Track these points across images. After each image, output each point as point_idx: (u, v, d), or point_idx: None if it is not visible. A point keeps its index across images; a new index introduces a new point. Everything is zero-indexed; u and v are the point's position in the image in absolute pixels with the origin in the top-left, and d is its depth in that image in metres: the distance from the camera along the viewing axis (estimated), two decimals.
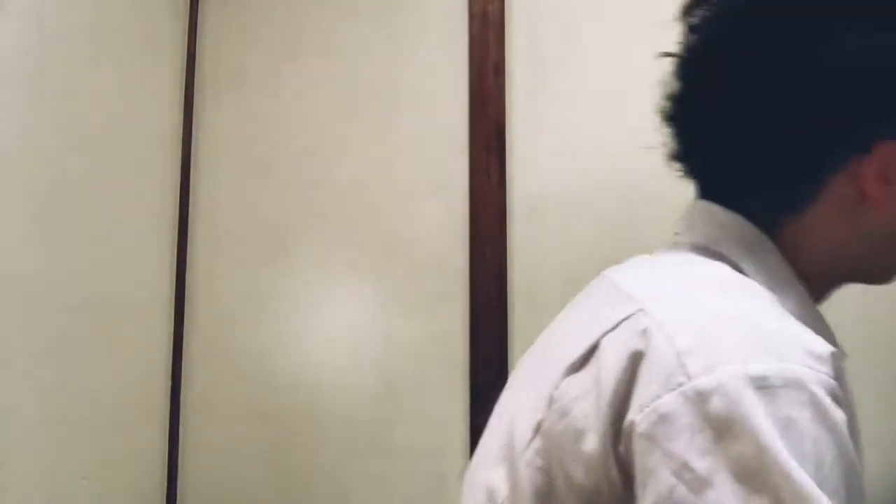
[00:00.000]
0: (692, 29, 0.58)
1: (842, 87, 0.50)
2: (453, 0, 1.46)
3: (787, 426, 0.40)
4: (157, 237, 1.57)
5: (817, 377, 0.42)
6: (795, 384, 0.41)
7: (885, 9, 0.51)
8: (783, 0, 0.53)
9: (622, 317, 0.49)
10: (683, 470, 0.41)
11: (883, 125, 0.51)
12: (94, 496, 1.35)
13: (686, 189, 0.63)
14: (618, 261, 0.62)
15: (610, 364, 0.47)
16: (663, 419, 0.43)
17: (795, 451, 0.40)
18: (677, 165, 0.61)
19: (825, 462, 0.40)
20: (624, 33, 1.34)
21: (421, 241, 1.45)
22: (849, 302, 1.22)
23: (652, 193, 1.22)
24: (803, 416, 0.41)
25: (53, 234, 1.29)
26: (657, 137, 0.62)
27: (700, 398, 0.42)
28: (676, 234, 0.60)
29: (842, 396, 0.43)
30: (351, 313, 1.49)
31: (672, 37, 0.60)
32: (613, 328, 0.49)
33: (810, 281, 0.55)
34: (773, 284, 0.53)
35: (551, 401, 0.50)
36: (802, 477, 0.39)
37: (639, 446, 0.43)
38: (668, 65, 0.59)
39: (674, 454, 0.42)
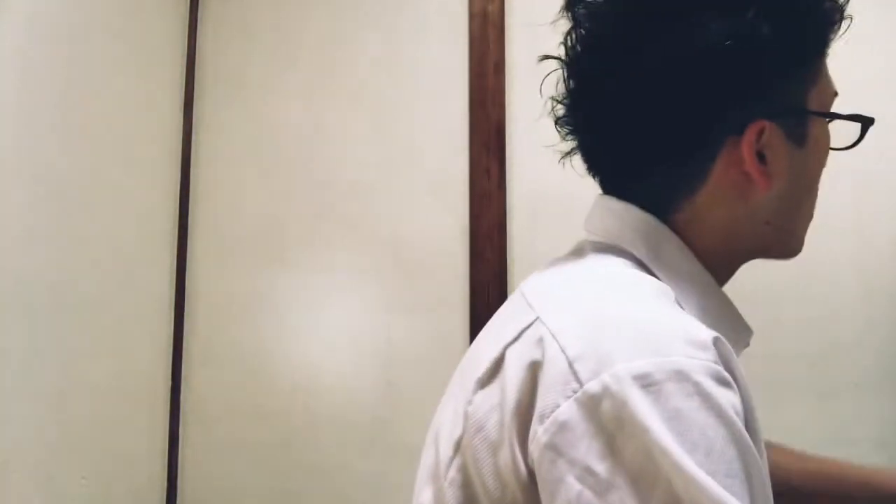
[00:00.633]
0: (575, 23, 0.61)
1: (708, 67, 0.52)
2: (453, 0, 1.46)
3: (673, 418, 0.41)
4: (157, 237, 1.57)
5: (699, 365, 0.43)
6: (678, 376, 0.42)
7: None
8: None
9: (522, 327, 0.51)
10: (586, 475, 0.43)
11: (753, 105, 0.53)
12: (94, 496, 1.35)
13: None
14: None
15: (511, 376, 0.49)
16: (563, 428, 0.44)
17: (684, 441, 0.41)
18: (583, 165, 0.63)
19: (715, 447, 0.41)
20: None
21: (421, 241, 1.45)
22: (849, 301, 1.23)
23: None
24: (689, 406, 0.42)
25: (53, 234, 1.29)
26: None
27: (592, 403, 0.43)
28: (586, 227, 0.62)
29: (728, 378, 0.44)
30: (351, 313, 1.49)
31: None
32: (515, 339, 0.50)
33: (713, 262, 0.57)
34: (672, 273, 0.54)
35: (466, 416, 0.52)
36: (692, 467, 0.40)
37: (545, 457, 0.44)
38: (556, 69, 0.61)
39: (576, 461, 0.43)
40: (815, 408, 1.24)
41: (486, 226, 1.38)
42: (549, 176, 1.38)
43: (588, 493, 0.42)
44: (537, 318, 0.50)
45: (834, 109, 0.57)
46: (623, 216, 0.58)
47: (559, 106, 0.61)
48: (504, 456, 0.48)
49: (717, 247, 0.57)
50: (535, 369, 0.47)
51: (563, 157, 0.63)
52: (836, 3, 0.55)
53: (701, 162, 0.55)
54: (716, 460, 0.41)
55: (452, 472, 0.52)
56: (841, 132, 0.58)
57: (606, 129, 0.58)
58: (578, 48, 0.60)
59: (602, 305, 0.49)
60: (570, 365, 0.45)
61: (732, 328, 0.55)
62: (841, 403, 1.22)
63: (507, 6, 1.42)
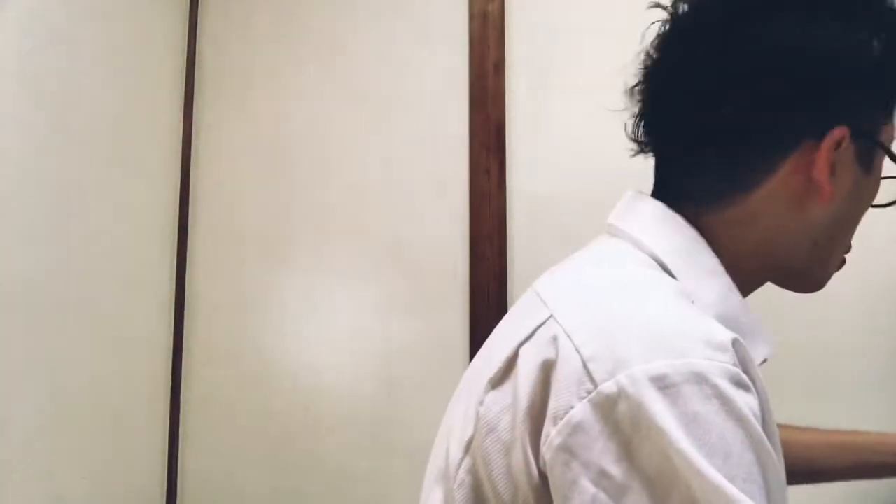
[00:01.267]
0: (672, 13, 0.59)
1: (814, 63, 0.52)
2: (453, 0, 1.46)
3: (691, 422, 0.41)
4: (157, 237, 1.57)
5: (718, 367, 0.42)
6: (697, 378, 0.42)
7: (838, 3, 0.53)
8: None
9: (536, 325, 0.50)
10: (601, 478, 0.42)
11: (839, 115, 0.52)
12: (94, 496, 1.35)
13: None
14: None
15: (524, 375, 0.48)
16: (577, 429, 0.43)
17: (702, 445, 0.40)
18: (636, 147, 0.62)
19: (733, 451, 0.41)
20: (624, 33, 1.33)
21: (421, 241, 1.45)
22: (849, 301, 1.23)
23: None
24: (708, 410, 0.41)
25: (53, 234, 1.29)
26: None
27: (607, 404, 0.42)
28: (609, 224, 0.61)
29: (746, 381, 0.43)
30: (351, 313, 1.49)
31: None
32: (528, 337, 0.49)
33: (739, 272, 0.55)
34: (693, 276, 0.53)
35: (478, 417, 0.51)
36: (710, 471, 0.39)
37: (558, 459, 0.44)
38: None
39: (591, 463, 0.42)
40: (815, 408, 1.24)
41: (486, 226, 1.38)
42: (549, 176, 1.38)
43: (603, 496, 0.42)
44: (551, 315, 0.49)
45: None
46: (651, 215, 0.57)
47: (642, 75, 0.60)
48: (516, 458, 0.47)
49: (750, 255, 0.55)
50: (548, 369, 0.46)
51: (636, 153, 0.62)
52: None
53: (771, 157, 0.53)
54: (734, 465, 0.40)
55: (462, 474, 0.51)
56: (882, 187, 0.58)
57: (687, 98, 0.56)
58: (675, 27, 0.58)
59: (618, 304, 0.48)
60: (585, 365, 0.44)
61: (751, 340, 0.53)
62: (840, 403, 1.22)
63: (507, 6, 1.42)
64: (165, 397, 1.56)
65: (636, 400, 0.42)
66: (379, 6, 1.54)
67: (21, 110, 1.23)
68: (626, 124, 0.62)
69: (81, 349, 1.34)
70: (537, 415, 0.46)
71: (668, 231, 0.55)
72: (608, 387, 0.43)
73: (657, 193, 0.60)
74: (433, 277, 1.43)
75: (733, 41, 0.53)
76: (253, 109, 1.61)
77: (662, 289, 0.51)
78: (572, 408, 0.43)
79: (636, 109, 0.60)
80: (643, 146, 0.61)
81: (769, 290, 0.64)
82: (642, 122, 0.60)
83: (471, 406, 0.52)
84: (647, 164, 0.63)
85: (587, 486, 0.42)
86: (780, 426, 0.74)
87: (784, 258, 0.56)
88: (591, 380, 0.43)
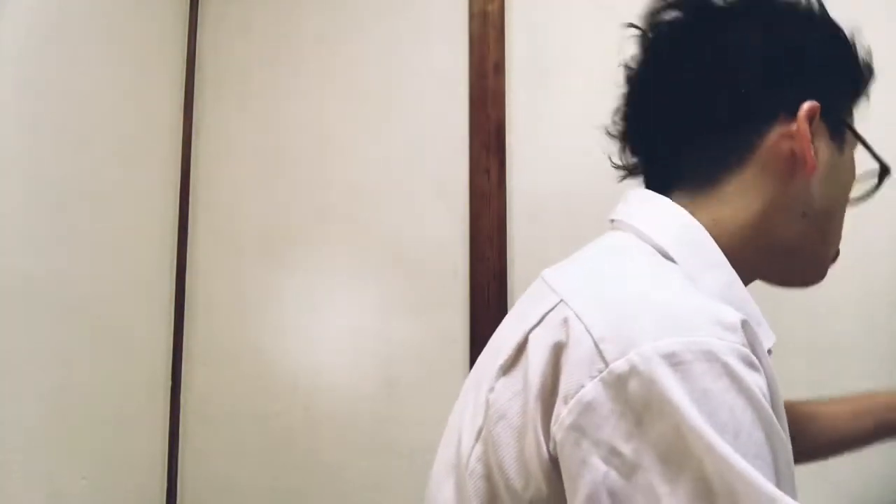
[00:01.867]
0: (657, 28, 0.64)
1: (780, 41, 0.57)
2: (453, 0, 1.46)
3: (702, 398, 0.41)
4: (157, 237, 1.57)
5: (728, 346, 0.43)
6: (707, 356, 0.42)
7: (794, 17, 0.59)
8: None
9: (545, 310, 0.50)
10: (612, 456, 0.42)
11: (810, 90, 0.56)
12: (94, 496, 1.35)
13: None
14: None
15: (535, 359, 0.48)
16: (588, 408, 0.43)
17: (713, 422, 0.40)
18: (623, 158, 0.67)
19: (743, 429, 0.41)
20: (624, 33, 1.33)
21: (421, 241, 1.45)
22: (849, 301, 1.22)
23: None
24: (718, 387, 0.41)
25: (53, 234, 1.29)
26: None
27: (619, 382, 0.43)
28: (612, 220, 0.62)
29: (755, 361, 0.44)
30: (351, 313, 1.49)
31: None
32: (538, 323, 0.50)
33: (740, 257, 0.57)
34: (697, 265, 0.54)
35: (488, 405, 0.51)
36: (723, 447, 0.40)
37: (569, 438, 0.44)
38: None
39: (601, 441, 0.42)
40: None
41: (486, 226, 1.38)
42: (549, 176, 1.38)
43: (614, 474, 0.42)
44: (561, 300, 0.49)
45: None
46: (653, 208, 0.58)
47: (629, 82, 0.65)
48: (528, 442, 0.47)
49: (748, 235, 0.57)
50: (558, 350, 0.46)
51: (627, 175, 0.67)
52: (871, 70, 0.60)
53: (750, 132, 0.56)
54: (744, 442, 0.41)
55: (473, 463, 0.51)
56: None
57: (664, 93, 0.60)
58: (661, 36, 0.63)
59: (628, 287, 0.49)
60: (596, 345, 0.44)
61: (757, 327, 0.55)
62: None
63: (507, 6, 1.42)
64: (165, 397, 1.56)
65: (647, 376, 0.42)
66: (379, 6, 1.54)
67: (21, 110, 1.23)
68: (609, 157, 0.67)
69: (81, 349, 1.34)
70: (548, 396, 0.46)
71: (671, 223, 0.56)
72: (619, 365, 0.43)
73: (650, 186, 0.62)
74: (433, 277, 1.42)
75: (705, 41, 0.58)
76: (253, 109, 1.61)
77: (670, 274, 0.52)
78: (583, 387, 0.44)
79: (620, 127, 0.66)
80: (630, 169, 0.65)
81: (769, 289, 0.64)
82: (629, 126, 0.65)
83: (481, 394, 0.52)
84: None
85: (598, 465, 0.42)
86: (805, 402, 0.76)
87: (778, 235, 0.58)
88: (603, 359, 0.44)
